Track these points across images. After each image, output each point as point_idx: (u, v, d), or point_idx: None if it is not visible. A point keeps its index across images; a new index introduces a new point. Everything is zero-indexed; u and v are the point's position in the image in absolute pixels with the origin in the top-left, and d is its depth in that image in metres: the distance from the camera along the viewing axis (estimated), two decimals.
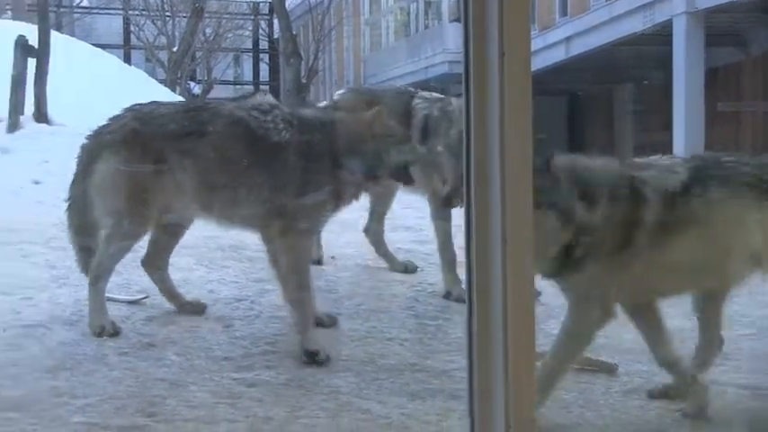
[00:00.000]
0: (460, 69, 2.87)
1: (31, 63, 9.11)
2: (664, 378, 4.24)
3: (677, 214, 3.73)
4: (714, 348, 4.13)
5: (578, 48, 16.07)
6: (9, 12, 16.30)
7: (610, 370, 4.33)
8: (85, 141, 4.56)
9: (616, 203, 3.64)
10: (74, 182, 4.57)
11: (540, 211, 3.21)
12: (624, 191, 3.69)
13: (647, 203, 3.68)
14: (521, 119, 2.77)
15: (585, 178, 3.65)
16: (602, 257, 3.63)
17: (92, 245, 4.51)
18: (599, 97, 17.97)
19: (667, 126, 14.40)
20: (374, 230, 5.62)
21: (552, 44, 16.11)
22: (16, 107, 8.83)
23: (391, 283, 5.07)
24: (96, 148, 4.53)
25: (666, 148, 14.19)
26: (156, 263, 4.73)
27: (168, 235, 4.71)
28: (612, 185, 3.67)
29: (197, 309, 4.69)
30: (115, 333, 4.32)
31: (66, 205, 4.60)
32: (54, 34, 10.32)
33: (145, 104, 4.59)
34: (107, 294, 4.48)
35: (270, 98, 4.71)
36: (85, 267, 4.50)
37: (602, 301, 3.74)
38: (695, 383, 3.83)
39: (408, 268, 5.53)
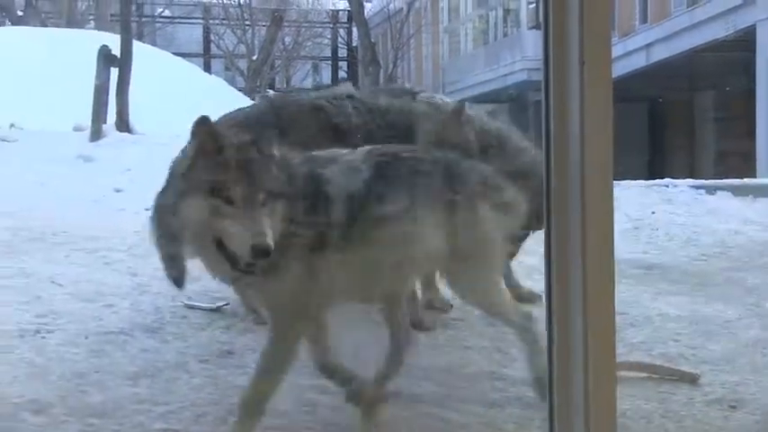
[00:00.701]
0: (539, 77, 2.85)
1: (114, 72, 9.24)
2: (750, 390, 4.19)
3: (358, 215, 3.52)
4: (402, 354, 3.97)
5: (659, 54, 15.94)
6: (92, 22, 16.52)
7: (692, 380, 4.27)
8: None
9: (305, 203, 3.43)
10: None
11: None
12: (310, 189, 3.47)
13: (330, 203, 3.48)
14: (602, 127, 2.75)
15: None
16: (297, 260, 3.41)
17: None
18: (680, 104, 17.81)
19: (750, 133, 14.24)
20: None
21: (633, 51, 16.01)
22: (99, 116, 8.97)
23: None
24: None
25: (750, 155, 14.03)
26: None
27: None
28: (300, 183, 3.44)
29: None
30: None
31: (149, 213, 4.64)
32: (136, 44, 10.47)
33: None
34: (186, 302, 4.52)
35: None
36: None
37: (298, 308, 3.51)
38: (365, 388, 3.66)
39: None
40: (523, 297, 4.97)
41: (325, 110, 4.65)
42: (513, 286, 5.04)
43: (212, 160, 3.18)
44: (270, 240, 3.08)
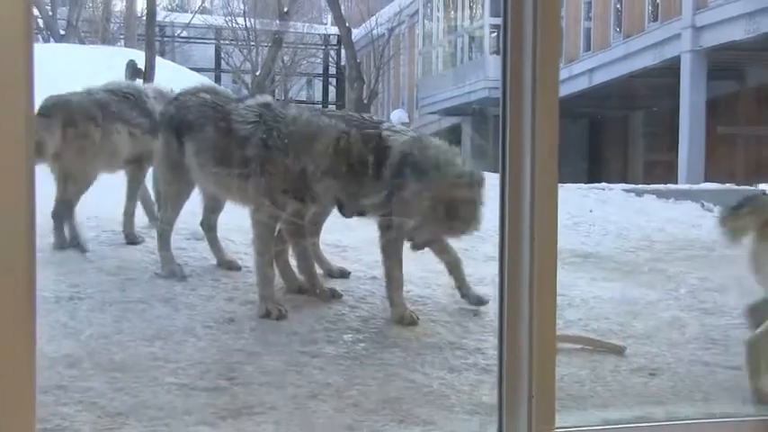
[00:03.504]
0: (498, 94, 2.86)
1: (139, 83, 9.20)
2: (666, 360, 4.22)
3: None
4: None
5: (599, 78, 15.98)
6: (122, 41, 16.52)
7: (619, 351, 4.29)
8: None
9: None
10: None
11: None
12: None
13: None
14: (549, 138, 2.77)
15: None
16: None
17: None
18: (615, 121, 17.86)
19: (673, 147, 14.32)
20: None
21: (577, 74, 16.03)
22: None
23: (436, 274, 5.05)
24: None
25: (672, 165, 14.10)
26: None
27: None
28: None
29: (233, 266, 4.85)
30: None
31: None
32: (158, 59, 10.43)
33: None
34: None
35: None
36: None
37: None
38: None
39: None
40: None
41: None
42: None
43: None
44: None
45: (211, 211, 4.98)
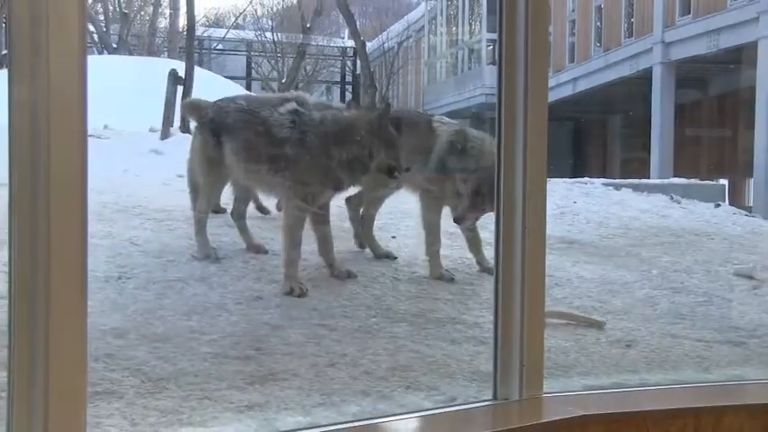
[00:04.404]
0: (494, 100, 2.84)
1: (179, 90, 9.20)
2: (641, 333, 4.20)
3: None
4: None
5: (582, 86, 15.99)
6: (165, 52, 16.56)
7: (599, 325, 4.27)
8: None
9: None
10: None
11: None
12: None
13: None
14: (539, 138, 2.76)
15: None
16: None
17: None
18: (596, 123, 17.85)
19: (646, 146, 14.34)
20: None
21: (563, 83, 16.02)
22: (167, 121, 8.94)
23: (442, 259, 5.02)
24: None
25: (645, 162, 14.09)
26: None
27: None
28: None
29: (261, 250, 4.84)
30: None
31: None
32: (197, 69, 10.42)
33: None
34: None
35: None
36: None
37: None
38: None
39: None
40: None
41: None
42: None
43: None
44: None
45: (241, 202, 5.00)
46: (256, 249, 4.87)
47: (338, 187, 4.54)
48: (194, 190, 5.00)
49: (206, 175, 4.85)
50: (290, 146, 4.46)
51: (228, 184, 4.93)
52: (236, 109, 4.74)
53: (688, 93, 15.05)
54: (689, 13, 14.43)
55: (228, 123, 4.69)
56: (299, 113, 4.54)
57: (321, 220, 4.60)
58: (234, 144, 4.64)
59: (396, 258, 5.01)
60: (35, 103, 1.93)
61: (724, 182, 10.20)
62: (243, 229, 4.97)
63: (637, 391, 3.27)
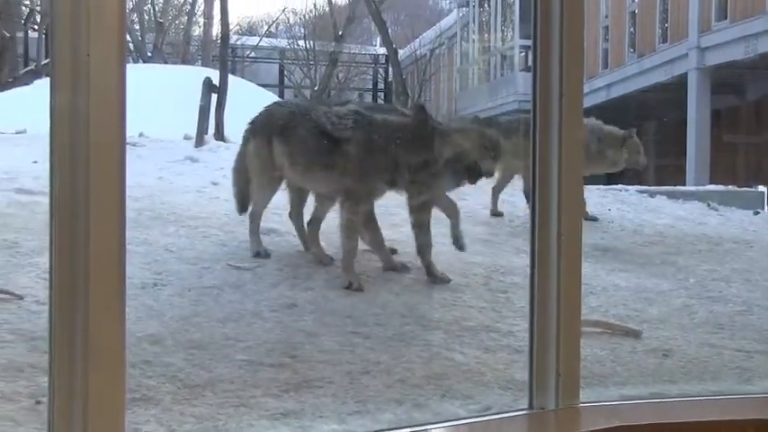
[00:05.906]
0: (528, 106, 2.83)
1: (214, 97, 9.27)
2: (678, 343, 4.15)
3: None
4: None
5: (616, 92, 15.90)
6: (200, 61, 16.69)
7: (635, 335, 4.23)
8: None
9: None
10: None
11: None
12: None
13: None
14: (574, 144, 2.74)
15: None
16: None
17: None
18: None
19: (682, 153, 14.21)
20: None
21: (597, 89, 15.93)
22: (202, 129, 9.00)
23: (472, 266, 5.02)
24: None
25: (681, 169, 13.96)
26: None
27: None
28: None
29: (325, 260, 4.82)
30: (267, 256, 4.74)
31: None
32: (230, 77, 10.49)
33: None
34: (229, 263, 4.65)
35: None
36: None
37: None
38: None
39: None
40: None
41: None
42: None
43: None
44: None
45: (298, 203, 5.04)
46: (318, 255, 4.88)
47: (393, 187, 4.70)
48: (240, 193, 5.05)
49: (259, 178, 4.91)
50: (352, 145, 4.59)
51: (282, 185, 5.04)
52: (290, 111, 4.88)
53: (724, 98, 14.91)
54: (725, 17, 14.29)
55: (282, 126, 4.82)
56: (361, 114, 4.67)
57: (370, 218, 4.74)
58: (288, 147, 4.77)
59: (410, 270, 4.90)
60: (76, 111, 1.96)
61: (763, 189, 10.05)
62: (299, 230, 5.07)
63: (675, 402, 3.23)
